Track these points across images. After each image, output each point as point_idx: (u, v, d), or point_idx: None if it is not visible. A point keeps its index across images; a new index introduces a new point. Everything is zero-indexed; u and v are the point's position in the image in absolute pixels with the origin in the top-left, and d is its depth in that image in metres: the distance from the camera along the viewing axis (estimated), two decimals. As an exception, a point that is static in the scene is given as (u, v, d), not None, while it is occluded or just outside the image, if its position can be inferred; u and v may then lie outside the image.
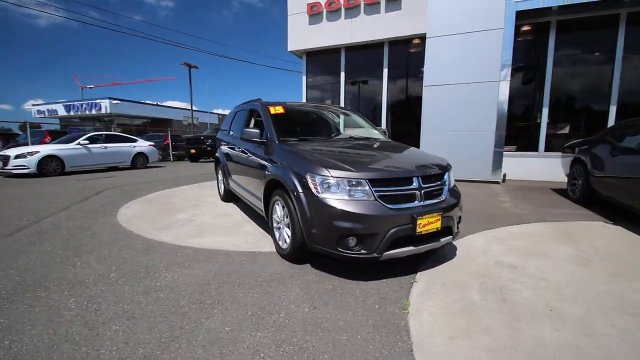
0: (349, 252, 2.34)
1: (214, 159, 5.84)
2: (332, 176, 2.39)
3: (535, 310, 2.06)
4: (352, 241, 2.32)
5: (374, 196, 2.37)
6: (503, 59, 6.63)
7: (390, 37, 8.15)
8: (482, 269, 2.69)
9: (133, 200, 5.54)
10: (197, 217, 4.38)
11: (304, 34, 8.95)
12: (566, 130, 7.27)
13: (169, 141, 15.32)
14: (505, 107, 6.73)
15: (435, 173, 2.68)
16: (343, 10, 8.37)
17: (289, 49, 9.23)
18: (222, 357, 1.62)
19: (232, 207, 4.92)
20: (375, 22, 8.11)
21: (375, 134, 3.97)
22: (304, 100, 9.61)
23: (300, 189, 2.52)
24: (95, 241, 3.39)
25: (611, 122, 6.75)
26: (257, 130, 3.36)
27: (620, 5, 6.32)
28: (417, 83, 8.25)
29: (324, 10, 8.57)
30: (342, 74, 9.02)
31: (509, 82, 6.65)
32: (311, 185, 2.45)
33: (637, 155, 3.89)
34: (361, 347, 1.70)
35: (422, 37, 7.88)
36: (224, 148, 4.97)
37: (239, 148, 4.09)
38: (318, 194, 2.40)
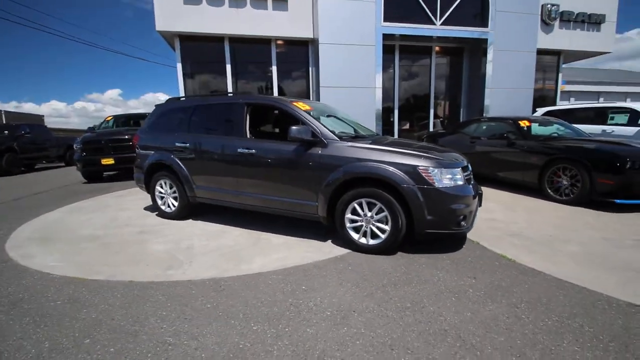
0: (461, 229, 2.84)
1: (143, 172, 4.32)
2: (443, 167, 2.79)
3: (546, 238, 3.31)
4: (461, 219, 2.83)
5: (465, 181, 2.95)
6: (376, 70, 8.35)
7: (278, 36, 8.33)
8: (488, 225, 3.79)
9: (5, 244, 3.40)
10: (186, 243, 3.38)
11: (177, 14, 7.58)
12: (407, 126, 10.01)
13: None
14: (380, 108, 8.56)
15: None
16: (227, -3, 7.75)
17: (157, 29, 7.54)
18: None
19: (203, 224, 4.00)
20: (262, 18, 8.03)
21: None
22: (182, 92, 8.21)
23: (412, 183, 2.74)
24: (102, 307, 2.15)
25: (431, 120, 9.91)
26: (309, 128, 3.09)
27: (432, 40, 9.32)
28: (306, 83, 8.90)
29: (204, -8, 7.61)
30: (228, 66, 8.35)
31: (381, 88, 8.48)
32: (425, 178, 2.74)
33: (483, 140, 6.24)
34: (547, 290, 2.33)
35: (309, 40, 8.57)
36: (184, 153, 3.90)
37: (244, 150, 3.45)
38: (433, 184, 2.74)
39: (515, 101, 9.25)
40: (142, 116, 10.04)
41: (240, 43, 8.35)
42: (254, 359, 1.65)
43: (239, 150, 3.49)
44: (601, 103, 7.36)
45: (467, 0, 8.63)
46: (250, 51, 8.58)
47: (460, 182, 2.88)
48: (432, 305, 2.11)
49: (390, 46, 9.02)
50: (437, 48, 9.63)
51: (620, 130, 6.19)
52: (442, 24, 8.56)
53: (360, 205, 2.97)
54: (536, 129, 5.92)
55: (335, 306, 2.13)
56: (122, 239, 3.56)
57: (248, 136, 3.59)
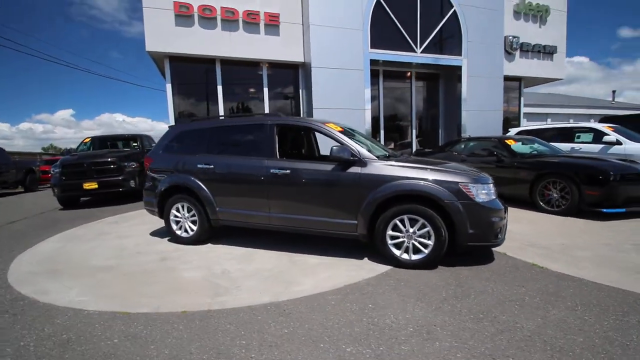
0: (497, 241, 3.03)
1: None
2: (481, 184, 2.98)
3: (559, 247, 3.60)
4: (498, 232, 3.02)
5: (496, 195, 3.17)
6: (364, 93, 8.74)
7: (270, 59, 8.46)
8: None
9: (7, 279, 3.02)
10: (219, 268, 3.24)
11: (168, 35, 7.45)
12: (392, 146, 10.44)
13: None
14: (370, 128, 8.90)
15: None
16: (220, 20, 7.76)
17: (147, 49, 7.32)
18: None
19: (226, 248, 3.85)
20: (255, 41, 8.13)
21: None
22: (172, 113, 7.95)
23: (455, 198, 2.91)
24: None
25: (414, 140, 10.44)
26: (347, 148, 3.18)
27: (412, 66, 9.97)
28: (296, 104, 9.04)
29: (197, 15, 7.57)
30: (220, 88, 8.26)
31: (370, 110, 8.85)
32: (466, 193, 2.91)
33: (472, 157, 6.69)
34: (591, 292, 2.54)
35: (300, 64, 8.80)
36: (208, 175, 3.78)
37: (277, 170, 3.43)
38: (473, 199, 2.91)
39: (488, 122, 10.06)
40: (120, 138, 9.59)
41: (232, 65, 8.35)
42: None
43: (272, 170, 3.46)
44: (568, 123, 8.26)
45: (443, 31, 9.42)
46: (242, 73, 8.61)
47: (493, 197, 3.10)
48: (503, 314, 2.22)
49: (375, 71, 9.48)
50: (416, 73, 10.31)
51: (586, 147, 6.97)
52: (422, 52, 9.23)
53: (402, 221, 3.06)
54: (518, 146, 6.48)
55: (413, 322, 2.16)
56: (143, 268, 3.32)
57: (278, 157, 3.59)
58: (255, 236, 4.21)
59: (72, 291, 2.80)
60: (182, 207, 3.98)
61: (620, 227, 4.31)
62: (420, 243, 3.04)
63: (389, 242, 3.13)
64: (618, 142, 6.49)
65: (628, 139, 6.48)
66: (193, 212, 3.92)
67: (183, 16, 7.51)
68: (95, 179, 6.86)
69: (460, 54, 9.58)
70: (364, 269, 3.10)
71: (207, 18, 7.69)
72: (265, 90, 8.74)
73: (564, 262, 3.13)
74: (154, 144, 9.29)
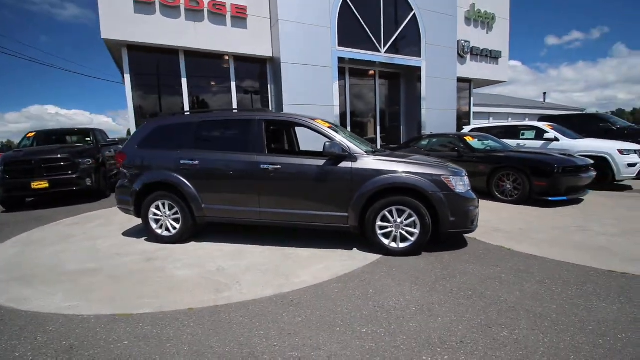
0: (473, 227, 3.37)
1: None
2: (459, 176, 3.29)
3: (519, 231, 4.10)
4: (474, 219, 3.36)
5: (470, 186, 3.51)
6: (333, 89, 8.92)
7: (237, 53, 8.26)
8: (469, 224, 4.47)
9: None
10: (212, 265, 3.21)
11: (126, 22, 6.92)
12: (357, 141, 10.77)
13: None
14: (339, 124, 9.10)
15: None
16: (184, 9, 7.38)
17: (102, 36, 6.74)
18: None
19: (213, 245, 3.79)
20: (221, 33, 7.87)
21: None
22: (131, 107, 7.42)
23: (438, 190, 3.18)
24: (194, 337, 1.98)
25: (378, 136, 10.88)
26: (338, 144, 3.30)
27: (375, 65, 10.36)
28: (265, 99, 8.94)
29: (158, 2, 7.12)
30: (184, 80, 7.88)
31: (338, 106, 9.06)
32: (448, 185, 3.20)
33: (435, 152, 7.21)
34: (553, 268, 2.96)
35: (268, 59, 8.70)
36: (192, 171, 3.67)
37: (268, 165, 3.45)
38: (453, 190, 3.22)
39: (444, 119, 10.84)
40: (68, 132, 8.78)
41: (198, 57, 8.02)
42: (392, 355, 1.78)
43: (262, 166, 3.48)
44: (514, 122, 9.18)
45: (404, 33, 9.91)
46: (208, 66, 8.30)
47: (468, 188, 3.43)
48: (487, 291, 2.52)
49: (341, 68, 9.70)
50: (380, 72, 10.73)
51: (530, 143, 7.85)
52: (385, 52, 9.64)
53: (390, 212, 3.28)
54: (475, 143, 7.12)
55: (413, 302, 2.37)
56: (129, 269, 3.17)
57: (266, 152, 3.61)
58: (239, 232, 4.18)
59: (55, 297, 2.60)
60: (163, 205, 3.82)
61: (564, 213, 4.98)
62: (407, 232, 3.28)
63: (379, 232, 3.33)
64: (556, 139, 7.40)
65: (563, 135, 7.42)
66: (175, 209, 3.79)
67: (143, 3, 7.04)
68: (46, 178, 6.22)
69: (419, 56, 10.17)
70: (357, 259, 3.27)
71: (170, 7, 7.29)
72: (233, 84, 8.54)
73: (526, 244, 3.58)
74: (108, 139, 8.66)
